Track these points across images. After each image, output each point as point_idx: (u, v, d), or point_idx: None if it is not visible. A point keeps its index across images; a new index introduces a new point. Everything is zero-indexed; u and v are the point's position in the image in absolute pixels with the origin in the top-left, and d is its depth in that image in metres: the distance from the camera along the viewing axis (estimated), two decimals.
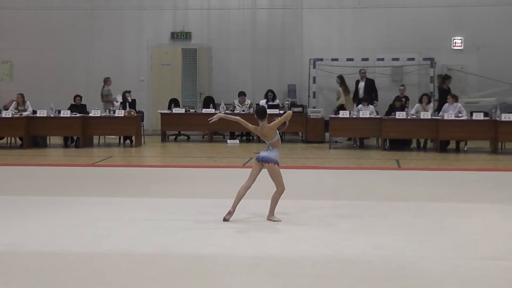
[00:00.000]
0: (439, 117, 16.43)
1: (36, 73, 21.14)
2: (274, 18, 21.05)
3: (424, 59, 19.79)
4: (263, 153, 8.26)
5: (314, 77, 20.12)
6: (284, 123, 8.32)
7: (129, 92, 18.33)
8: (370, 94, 18.46)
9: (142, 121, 18.20)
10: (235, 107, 18.75)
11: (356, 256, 6.70)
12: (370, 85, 18.76)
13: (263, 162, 8.22)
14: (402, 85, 18.39)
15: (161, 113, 18.81)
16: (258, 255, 6.72)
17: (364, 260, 6.54)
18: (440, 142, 16.30)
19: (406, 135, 16.85)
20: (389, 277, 6.00)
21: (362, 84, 18.80)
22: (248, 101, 18.94)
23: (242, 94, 19.01)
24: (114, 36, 21.34)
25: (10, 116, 16.99)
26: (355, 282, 5.87)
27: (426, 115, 16.48)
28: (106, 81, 19.13)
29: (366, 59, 19.65)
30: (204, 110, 18.72)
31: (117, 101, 18.51)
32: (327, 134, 17.74)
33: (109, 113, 17.52)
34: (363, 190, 10.69)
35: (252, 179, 8.30)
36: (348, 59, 19.71)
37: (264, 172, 8.25)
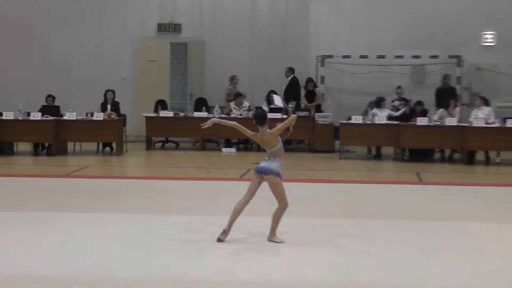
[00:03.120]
0: (467, 124, 16.44)
1: (2, 69, 21.14)
2: (276, 8, 21.05)
3: (450, 56, 19.79)
4: (263, 164, 8.31)
5: (322, 77, 20.13)
6: (288, 129, 8.35)
7: (112, 91, 18.35)
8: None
9: (124, 125, 18.23)
10: (231, 110, 18.77)
11: (367, 282, 6.75)
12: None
13: (262, 173, 8.26)
14: (399, 87, 18.49)
15: (146, 117, 18.82)
16: (257, 280, 6.77)
17: (375, 287, 6.59)
18: (468, 152, 16.33)
19: (428, 144, 16.87)
20: None
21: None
22: (246, 104, 18.95)
23: (239, 96, 19.02)
24: (92, 28, 21.33)
25: None
26: None
27: (452, 121, 16.50)
28: (232, 79, 19.32)
29: (383, 57, 19.70)
30: (196, 114, 18.75)
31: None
32: (337, 142, 17.73)
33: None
34: (377, 207, 10.73)
35: (251, 193, 8.34)
36: (362, 56, 19.74)
37: (265, 186, 8.28)
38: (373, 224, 9.40)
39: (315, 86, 19.07)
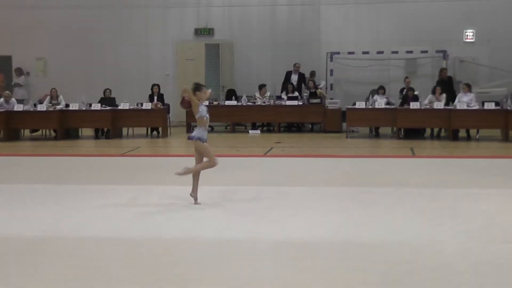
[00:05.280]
0: (452, 107, 16.29)
1: (68, 68, 21.24)
2: (293, 14, 20.95)
3: (437, 51, 19.62)
4: (192, 132, 8.46)
5: (331, 70, 20.06)
6: (184, 99, 8.32)
7: (157, 85, 18.34)
8: (300, 87, 19.08)
9: (168, 113, 18.22)
10: (256, 99, 18.72)
11: (373, 240, 6.68)
12: (301, 79, 19.34)
13: (190, 139, 8.36)
14: (407, 77, 18.37)
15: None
16: (281, 239, 6.71)
17: (380, 244, 6.51)
18: (452, 131, 16.17)
19: (420, 124, 16.72)
20: (405, 260, 5.97)
21: (295, 77, 19.30)
22: (268, 93, 18.89)
23: (262, 87, 18.97)
24: (140, 33, 21.36)
25: (44, 109, 17.11)
26: (372, 264, 5.85)
27: (439, 105, 16.35)
28: (313, 74, 19.39)
29: (381, 52, 19.58)
30: (227, 102, 18.75)
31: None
32: (344, 124, 17.67)
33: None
34: (379, 177, 10.63)
35: (197, 160, 8.42)
36: (364, 52, 19.65)
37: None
38: (376, 191, 9.30)
39: (316, 87, 18.85)
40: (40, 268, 5.82)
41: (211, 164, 8.35)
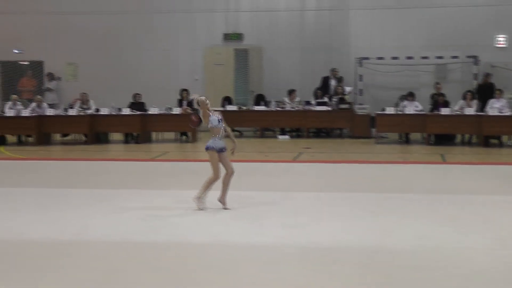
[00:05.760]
0: (483, 113, 16.11)
1: (98, 73, 21.44)
2: (321, 19, 20.90)
3: (468, 56, 19.41)
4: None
5: (360, 75, 19.97)
6: (192, 119, 8.39)
7: (186, 90, 18.42)
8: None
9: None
10: (285, 104, 18.70)
11: (402, 246, 6.63)
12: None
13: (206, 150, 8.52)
14: (438, 83, 18.19)
15: (215, 111, 18.80)
16: (308, 245, 6.69)
17: (410, 250, 6.46)
18: (484, 137, 15.99)
19: (450, 130, 16.55)
20: (434, 267, 5.91)
21: (333, 82, 19.22)
22: (297, 98, 18.87)
23: (292, 92, 18.95)
24: (169, 38, 21.49)
25: (75, 114, 17.29)
26: (401, 271, 5.80)
27: (470, 111, 16.18)
28: (340, 80, 19.32)
29: (411, 57, 19.42)
30: (256, 107, 18.77)
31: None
32: (373, 130, 17.58)
33: None
34: (409, 184, 10.56)
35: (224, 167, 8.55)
36: (393, 58, 19.51)
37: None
38: (405, 198, 9.23)
39: (343, 93, 18.78)
40: (71, 272, 5.88)
41: (213, 178, 8.38)
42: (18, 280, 5.67)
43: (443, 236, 7.00)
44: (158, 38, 21.49)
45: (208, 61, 21.52)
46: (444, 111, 16.26)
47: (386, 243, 6.74)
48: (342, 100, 18.34)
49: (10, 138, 17.79)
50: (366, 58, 19.88)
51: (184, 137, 18.31)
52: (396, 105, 17.46)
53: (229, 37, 21.33)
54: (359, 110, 18.18)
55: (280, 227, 7.47)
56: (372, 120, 17.60)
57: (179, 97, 18.41)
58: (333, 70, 19.53)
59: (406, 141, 17.33)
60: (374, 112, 17.58)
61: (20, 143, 17.62)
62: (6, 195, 9.55)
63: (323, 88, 19.29)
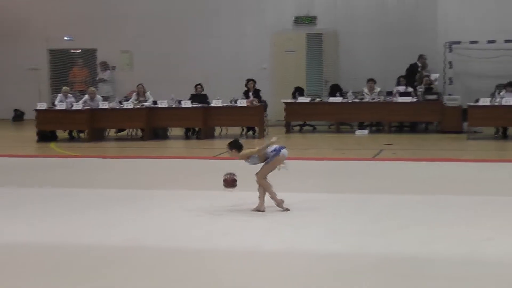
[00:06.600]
0: None
1: (155, 62, 21.74)
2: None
3: None
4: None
5: (450, 62, 19.64)
6: (227, 179, 8.64)
7: (252, 80, 18.49)
8: None
9: (265, 111, 18.33)
10: (363, 95, 18.54)
11: (500, 257, 6.46)
12: None
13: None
14: None
15: (285, 103, 18.86)
16: (387, 254, 6.61)
17: (510, 263, 6.29)
18: None
19: None
20: None
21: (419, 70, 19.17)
22: (377, 88, 18.67)
23: (371, 81, 18.75)
24: (234, 23, 21.60)
25: (131, 107, 17.53)
26: (500, 286, 5.66)
27: None
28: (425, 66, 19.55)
29: (510, 41, 18.95)
30: (331, 99, 18.64)
31: None
32: (465, 124, 17.26)
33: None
34: (506, 185, 10.30)
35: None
36: (489, 41, 19.11)
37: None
38: (504, 201, 9.00)
39: (430, 83, 18.46)
40: (122, 279, 5.96)
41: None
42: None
43: None
44: (222, 23, 21.62)
45: (277, 48, 21.54)
46: None
47: (481, 254, 6.58)
48: (429, 90, 18.07)
49: (61, 133, 18.20)
50: (457, 43, 19.56)
51: (250, 132, 18.37)
52: (492, 96, 17.09)
53: (300, 20, 21.30)
54: (449, 101, 17.89)
55: (356, 234, 7.39)
56: (463, 113, 17.29)
57: (245, 88, 18.49)
58: (421, 57, 19.25)
59: (504, 136, 16.98)
60: (466, 104, 17.24)
61: (71, 139, 18.01)
62: (58, 196, 9.76)
63: (408, 77, 19.05)
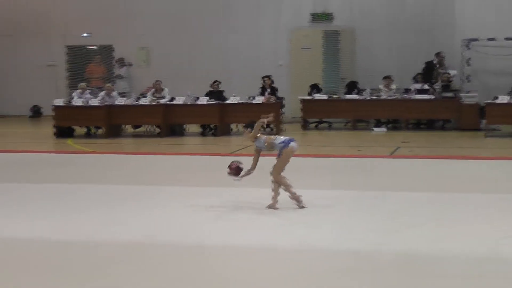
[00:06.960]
0: None
1: (172, 58, 21.80)
2: None
3: None
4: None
5: (468, 59, 19.55)
6: (232, 165, 8.77)
7: (269, 77, 18.48)
8: None
9: (282, 108, 18.31)
10: (380, 92, 18.48)
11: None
12: None
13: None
14: None
15: (302, 100, 18.86)
16: (403, 251, 6.56)
17: None
18: None
19: None
20: None
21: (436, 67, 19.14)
22: (394, 86, 18.61)
23: (387, 78, 18.70)
24: (250, 19, 21.63)
25: (147, 103, 17.57)
26: None
27: None
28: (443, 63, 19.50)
29: None
30: (347, 96, 18.64)
31: None
32: (482, 122, 17.17)
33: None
34: None
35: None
36: (508, 38, 18.99)
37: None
38: None
39: (449, 80, 18.37)
40: (145, 274, 5.96)
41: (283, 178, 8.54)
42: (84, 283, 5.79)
43: None
44: (238, 19, 21.65)
45: (293, 45, 21.54)
46: None
47: (498, 252, 6.52)
48: (446, 88, 17.97)
49: (78, 130, 18.28)
50: (475, 40, 19.47)
51: (267, 129, 18.34)
52: (510, 93, 17.02)
53: (317, 17, 21.29)
54: (467, 98, 17.82)
55: (372, 231, 7.35)
56: (481, 110, 17.22)
57: (261, 84, 18.48)
58: (439, 55, 19.17)
59: None
60: (484, 101, 17.18)
61: (88, 135, 18.08)
62: (75, 192, 9.78)
63: (425, 74, 18.97)
